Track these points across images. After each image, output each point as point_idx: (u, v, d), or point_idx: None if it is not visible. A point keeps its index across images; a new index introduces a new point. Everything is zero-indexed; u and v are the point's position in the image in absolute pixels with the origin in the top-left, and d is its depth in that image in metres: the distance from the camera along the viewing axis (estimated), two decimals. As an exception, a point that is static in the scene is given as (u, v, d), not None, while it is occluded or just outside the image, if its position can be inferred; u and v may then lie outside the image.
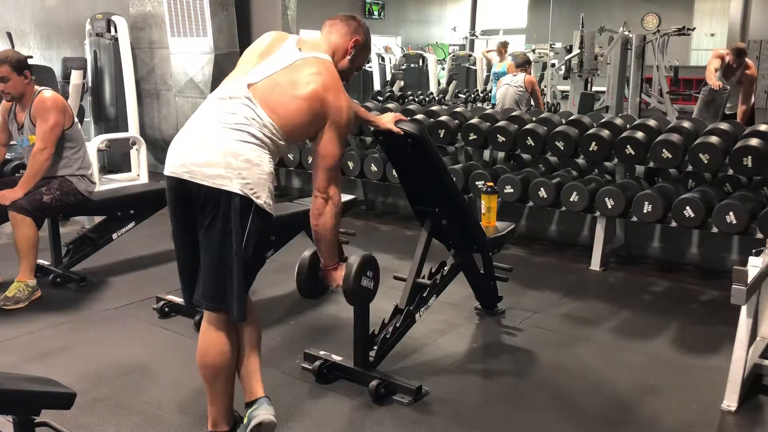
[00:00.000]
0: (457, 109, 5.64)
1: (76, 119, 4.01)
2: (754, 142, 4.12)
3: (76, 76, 6.23)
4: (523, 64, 7.62)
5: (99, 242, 4.23)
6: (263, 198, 2.22)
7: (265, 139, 2.23)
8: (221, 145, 2.18)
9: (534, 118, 5.12)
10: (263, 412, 2.28)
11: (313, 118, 2.31)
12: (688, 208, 4.06)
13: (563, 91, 11.36)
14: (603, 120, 4.93)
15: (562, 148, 4.69)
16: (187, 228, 2.32)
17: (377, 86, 12.58)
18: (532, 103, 7.37)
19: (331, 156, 2.35)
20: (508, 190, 4.74)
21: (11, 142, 4.09)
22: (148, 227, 4.49)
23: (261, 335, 2.44)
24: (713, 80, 6.65)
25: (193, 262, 2.31)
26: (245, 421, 2.31)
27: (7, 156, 4.36)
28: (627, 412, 2.74)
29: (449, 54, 14.78)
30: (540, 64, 12.07)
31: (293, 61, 2.33)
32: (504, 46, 10.35)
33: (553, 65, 11.51)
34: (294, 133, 2.31)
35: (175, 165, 2.24)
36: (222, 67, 6.63)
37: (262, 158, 2.22)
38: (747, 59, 6.82)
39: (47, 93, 3.83)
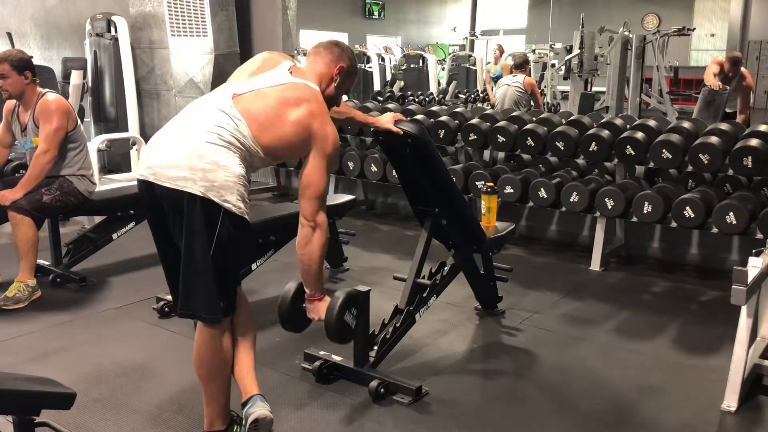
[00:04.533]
0: (457, 110, 5.64)
1: (79, 122, 4.01)
2: (754, 142, 4.12)
3: (76, 76, 6.23)
4: (522, 65, 7.62)
5: (99, 242, 4.23)
6: (232, 201, 2.16)
7: (237, 144, 2.19)
8: (187, 147, 2.16)
9: (534, 119, 5.12)
10: (258, 409, 2.28)
11: (297, 143, 2.30)
12: (688, 208, 4.06)
13: (563, 92, 11.38)
14: (603, 120, 4.93)
15: (562, 148, 4.69)
16: (160, 232, 2.32)
17: (377, 86, 12.59)
18: (532, 103, 7.36)
19: (317, 185, 2.33)
20: (508, 190, 4.74)
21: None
22: (148, 227, 4.48)
23: (256, 335, 2.44)
24: (713, 81, 6.66)
25: (172, 266, 2.31)
26: (243, 421, 2.31)
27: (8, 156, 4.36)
28: (627, 412, 2.74)
29: (449, 54, 14.80)
30: (540, 65, 12.08)
31: (283, 83, 2.34)
32: (500, 49, 10.57)
33: (553, 66, 11.53)
34: (273, 149, 2.28)
35: (143, 167, 2.24)
36: (222, 67, 6.64)
37: (230, 160, 2.17)
38: (743, 69, 6.84)
39: (51, 96, 3.84)
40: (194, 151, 2.15)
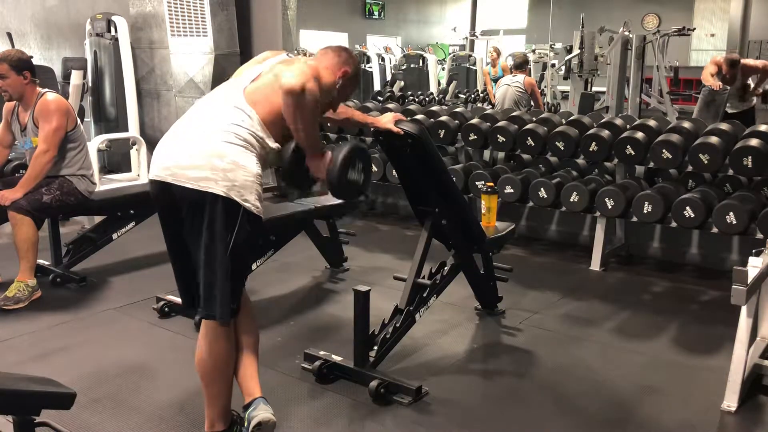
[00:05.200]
0: (457, 110, 5.63)
1: (79, 121, 4.01)
2: (754, 142, 4.12)
3: (76, 76, 6.23)
4: (521, 64, 7.62)
5: (99, 242, 4.23)
6: (251, 201, 2.18)
7: (253, 141, 2.21)
8: (206, 147, 2.16)
9: (534, 119, 5.12)
10: (261, 412, 2.28)
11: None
12: (688, 208, 4.06)
13: (563, 92, 11.36)
14: (603, 120, 4.93)
15: (562, 148, 4.69)
16: (174, 232, 2.31)
17: (377, 86, 12.57)
18: (532, 103, 7.36)
19: (297, 75, 2.18)
20: (508, 190, 4.74)
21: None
22: (148, 227, 4.46)
23: (259, 337, 2.43)
24: (711, 80, 6.65)
25: (184, 265, 2.31)
26: (245, 423, 2.31)
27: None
28: (627, 412, 2.74)
29: (449, 54, 14.78)
30: (540, 65, 12.07)
31: (278, 62, 2.38)
32: (496, 51, 10.63)
33: (553, 65, 11.51)
34: (278, 120, 2.25)
35: (158, 168, 2.22)
36: (222, 67, 6.63)
37: (248, 160, 2.18)
38: (750, 60, 6.81)
39: (50, 96, 3.84)
40: (214, 151, 2.15)
